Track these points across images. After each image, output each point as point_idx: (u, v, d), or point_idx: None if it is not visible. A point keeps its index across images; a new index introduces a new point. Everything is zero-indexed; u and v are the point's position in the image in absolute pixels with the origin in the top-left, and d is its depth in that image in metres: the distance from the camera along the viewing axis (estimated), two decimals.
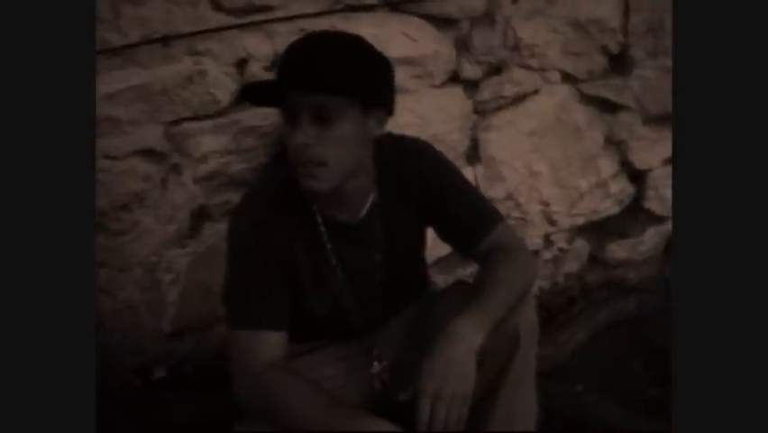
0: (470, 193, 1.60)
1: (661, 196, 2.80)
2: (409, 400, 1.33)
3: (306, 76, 1.31)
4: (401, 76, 2.15)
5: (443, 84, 2.29)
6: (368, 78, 1.37)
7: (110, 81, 1.88)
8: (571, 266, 2.75)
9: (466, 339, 1.33)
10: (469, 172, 2.38)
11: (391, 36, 2.12)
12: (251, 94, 1.45)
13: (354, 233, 1.52)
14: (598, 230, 2.76)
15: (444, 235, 1.61)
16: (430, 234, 1.67)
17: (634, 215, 2.80)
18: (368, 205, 1.52)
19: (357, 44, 1.39)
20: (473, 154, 2.41)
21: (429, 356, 1.33)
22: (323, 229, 1.50)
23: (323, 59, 1.32)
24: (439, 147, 1.65)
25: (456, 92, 2.32)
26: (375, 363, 1.60)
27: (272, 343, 1.43)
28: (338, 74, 1.32)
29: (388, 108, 1.44)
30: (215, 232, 2.08)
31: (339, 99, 1.33)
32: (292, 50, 1.36)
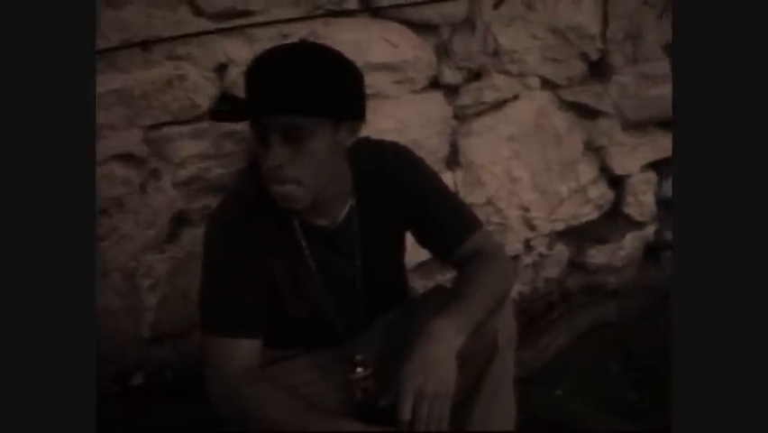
0: (449, 198, 1.60)
1: (640, 201, 2.82)
2: (390, 405, 1.32)
3: (273, 99, 1.29)
4: (381, 81, 2.17)
5: (424, 89, 2.29)
6: (337, 93, 1.34)
7: None
8: (551, 271, 2.77)
9: (446, 339, 1.33)
10: (449, 178, 2.39)
11: (372, 42, 2.13)
12: (218, 113, 1.42)
13: (333, 238, 1.52)
14: (578, 235, 2.78)
15: (423, 241, 1.61)
16: (409, 238, 1.67)
17: (613, 220, 2.82)
18: (346, 210, 1.51)
19: (323, 58, 1.36)
20: (453, 159, 2.42)
21: (410, 356, 1.33)
22: (300, 234, 1.49)
23: (289, 81, 1.29)
24: (419, 152, 1.64)
25: (436, 97, 2.33)
26: (358, 369, 1.59)
27: (247, 350, 1.43)
28: (306, 94, 1.29)
29: (359, 117, 1.42)
30: (195, 237, 2.07)
31: (309, 118, 1.31)
32: (257, 70, 1.32)
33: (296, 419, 1.34)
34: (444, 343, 1.33)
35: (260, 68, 1.33)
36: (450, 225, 1.55)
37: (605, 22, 2.50)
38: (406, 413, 1.29)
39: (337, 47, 1.42)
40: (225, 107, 1.41)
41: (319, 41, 1.72)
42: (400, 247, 1.67)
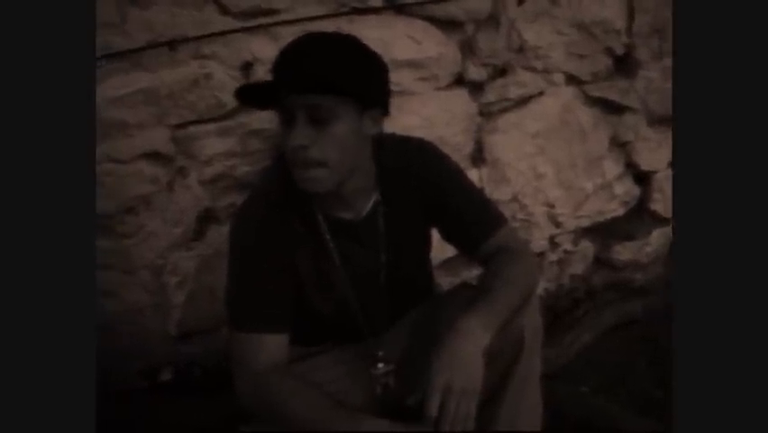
0: (474, 195, 1.60)
1: (666, 197, 2.80)
2: (418, 403, 1.32)
3: (298, 77, 1.31)
4: (406, 78, 2.17)
5: (448, 86, 2.29)
6: (361, 77, 1.36)
7: (116, 85, 1.89)
8: (577, 268, 2.75)
9: (475, 336, 1.34)
10: (474, 174, 2.38)
11: (396, 39, 2.13)
12: (246, 96, 1.43)
13: (357, 232, 1.52)
14: (604, 232, 2.76)
15: (448, 237, 1.61)
16: (434, 235, 1.67)
17: (639, 216, 2.80)
18: (371, 204, 1.52)
19: (349, 44, 1.39)
20: (478, 156, 2.42)
21: (437, 353, 1.33)
22: (325, 228, 1.50)
23: (315, 60, 1.32)
24: (444, 149, 1.64)
25: (461, 94, 2.32)
26: (380, 365, 1.60)
27: (274, 345, 1.43)
28: (330, 74, 1.32)
29: (383, 107, 1.43)
30: (221, 234, 2.09)
31: (333, 99, 1.32)
32: (285, 51, 1.36)
33: (322, 417, 1.35)
34: (472, 340, 1.33)
35: (287, 51, 1.36)
36: (475, 220, 1.55)
37: (630, 16, 2.48)
38: (433, 410, 1.29)
39: None
40: (252, 86, 1.42)
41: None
42: (425, 243, 1.67)
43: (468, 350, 1.32)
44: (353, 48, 1.39)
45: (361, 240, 1.53)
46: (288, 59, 1.35)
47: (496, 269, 1.48)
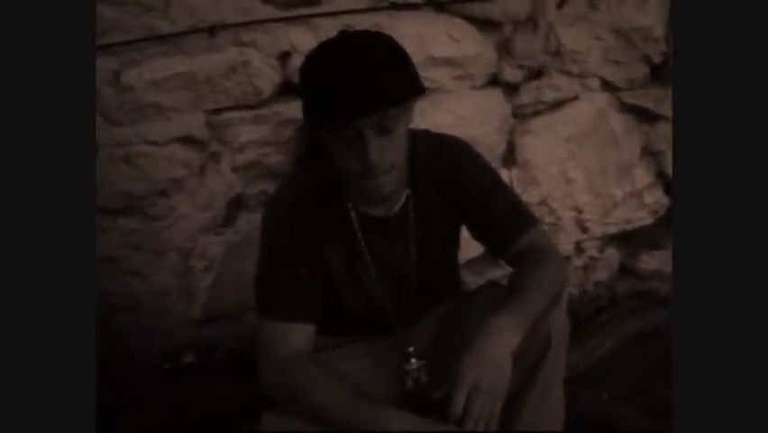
0: (506, 194, 1.59)
1: None
2: (444, 398, 1.32)
3: (373, 97, 1.28)
4: (442, 76, 2.18)
5: (483, 86, 2.29)
6: (410, 73, 1.36)
7: (155, 68, 1.91)
8: (601, 275, 2.74)
9: (505, 336, 1.33)
10: (504, 175, 2.38)
11: (434, 36, 2.13)
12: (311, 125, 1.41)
13: (388, 228, 1.52)
14: (631, 240, 2.74)
15: (478, 235, 1.61)
16: (462, 234, 1.67)
17: (667, 226, 2.78)
18: (402, 200, 1.52)
19: (382, 45, 1.35)
20: (509, 158, 2.41)
21: (468, 350, 1.33)
22: (356, 224, 1.50)
23: (377, 76, 1.29)
24: (476, 148, 1.65)
25: (496, 95, 2.32)
26: (413, 360, 1.59)
27: (300, 335, 1.44)
28: (396, 84, 1.30)
29: (422, 90, 1.40)
30: (251, 221, 2.11)
31: (397, 106, 1.31)
32: (338, 75, 1.29)
33: (345, 406, 1.35)
34: (503, 339, 1.33)
35: (343, 71, 1.30)
36: (507, 220, 1.55)
37: (670, 24, 2.46)
38: (458, 407, 1.29)
39: (400, 40, 1.41)
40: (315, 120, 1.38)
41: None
42: (455, 240, 1.67)
43: (498, 349, 1.32)
44: (387, 47, 1.36)
45: (391, 236, 1.54)
46: (351, 82, 1.28)
47: (527, 269, 1.48)
